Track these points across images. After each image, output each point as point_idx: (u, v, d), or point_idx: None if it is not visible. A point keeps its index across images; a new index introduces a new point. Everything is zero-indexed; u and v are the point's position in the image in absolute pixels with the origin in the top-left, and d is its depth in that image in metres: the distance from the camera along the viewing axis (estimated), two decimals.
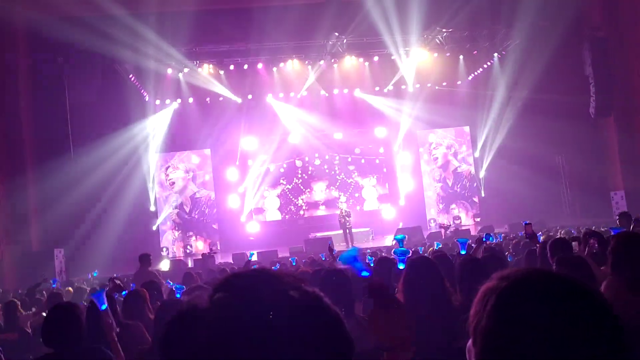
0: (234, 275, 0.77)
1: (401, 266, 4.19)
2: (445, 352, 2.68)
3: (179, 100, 17.96)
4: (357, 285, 4.79)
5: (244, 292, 0.73)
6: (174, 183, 18.12)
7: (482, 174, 18.73)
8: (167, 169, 18.17)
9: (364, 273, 1.28)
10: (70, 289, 9.34)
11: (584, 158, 16.44)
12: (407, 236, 10.27)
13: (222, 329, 0.69)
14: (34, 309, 7.18)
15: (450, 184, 18.97)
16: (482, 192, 18.69)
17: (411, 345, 1.29)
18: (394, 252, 4.50)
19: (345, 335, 0.76)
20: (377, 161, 19.10)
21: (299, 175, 18.96)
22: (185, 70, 17.12)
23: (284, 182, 18.81)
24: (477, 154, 18.89)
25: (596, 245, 4.48)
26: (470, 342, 0.96)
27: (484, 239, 6.07)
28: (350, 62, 17.90)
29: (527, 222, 5.53)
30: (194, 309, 0.73)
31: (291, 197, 18.84)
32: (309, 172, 18.97)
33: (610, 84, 15.58)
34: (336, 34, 16.22)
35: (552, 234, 8.84)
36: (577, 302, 0.87)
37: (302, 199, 18.93)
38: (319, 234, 16.38)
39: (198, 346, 0.69)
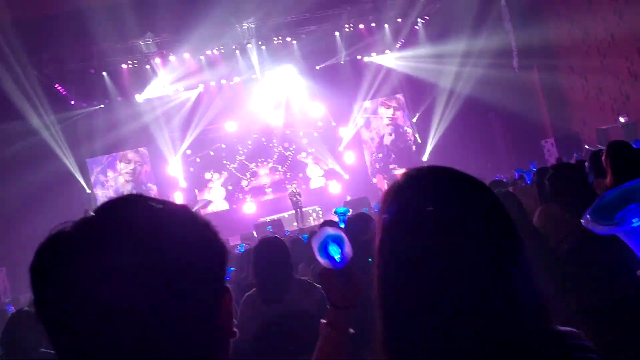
0: (104, 201, 0.76)
1: (342, 225, 4.25)
2: None
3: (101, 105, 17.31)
4: (300, 248, 4.84)
5: (110, 211, 0.73)
6: (116, 186, 17.51)
7: (420, 139, 19.13)
8: (106, 171, 17.53)
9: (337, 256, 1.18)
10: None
11: (514, 112, 17.05)
12: (351, 209, 10.36)
13: (89, 250, 0.67)
14: None
15: (392, 140, 19.28)
16: (425, 156, 19.09)
17: (356, 303, 1.29)
18: (335, 212, 4.56)
19: (217, 239, 0.78)
20: (315, 134, 19.15)
21: (240, 159, 18.82)
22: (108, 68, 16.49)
23: (228, 163, 18.62)
24: (414, 120, 19.27)
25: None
26: None
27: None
28: (278, 42, 17.71)
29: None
30: (58, 235, 0.71)
31: (237, 178, 18.71)
32: (250, 155, 18.87)
33: (530, 37, 16.12)
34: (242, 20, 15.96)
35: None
36: (468, 193, 0.89)
37: (246, 184, 18.84)
38: (268, 218, 16.35)
39: (65, 274, 0.67)
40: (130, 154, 17.87)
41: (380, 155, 19.21)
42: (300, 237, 5.76)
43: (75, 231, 0.70)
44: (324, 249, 1.21)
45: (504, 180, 7.05)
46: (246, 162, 18.77)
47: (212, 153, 18.54)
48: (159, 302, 0.67)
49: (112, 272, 0.66)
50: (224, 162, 18.65)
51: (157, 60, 16.70)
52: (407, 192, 0.90)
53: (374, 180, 18.44)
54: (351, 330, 1.31)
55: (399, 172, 18.65)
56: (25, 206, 14.55)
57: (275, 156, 18.95)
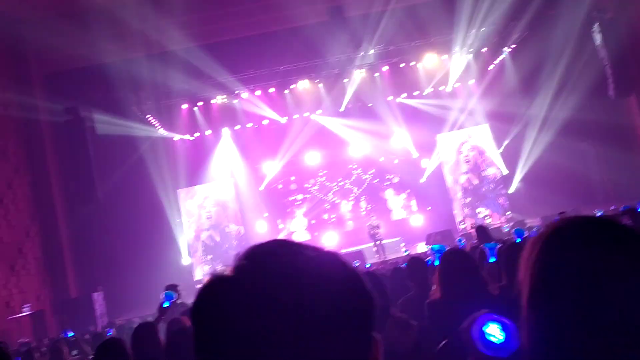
0: (253, 245, 0.79)
1: (437, 263, 4.16)
2: None
3: (197, 134, 18.29)
4: (393, 286, 4.76)
5: (264, 256, 0.75)
6: (209, 217, 18.19)
7: (508, 170, 18.46)
8: (199, 204, 18.29)
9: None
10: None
11: (610, 141, 16.13)
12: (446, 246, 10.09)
13: (249, 294, 0.71)
14: (74, 353, 7.30)
15: (475, 185, 18.68)
16: (512, 188, 18.37)
17: None
18: (432, 249, 4.48)
19: (365, 289, 0.78)
20: (396, 161, 19.00)
21: (322, 195, 19.07)
22: (200, 103, 17.45)
23: (308, 195, 18.92)
24: (500, 151, 18.65)
25: (630, 222, 4.38)
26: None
27: (516, 239, 5.61)
28: (360, 75, 17.93)
29: (562, 211, 5.41)
30: (219, 279, 0.74)
31: (319, 209, 18.92)
32: (333, 193, 19.07)
33: (625, 64, 15.32)
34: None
35: None
36: (620, 242, 0.87)
37: (327, 216, 19.01)
38: (349, 249, 16.29)
39: (226, 314, 0.71)
40: (214, 188, 18.47)
41: (469, 200, 18.53)
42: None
43: (234, 277, 0.74)
44: (480, 331, 1.10)
45: None
46: (328, 195, 18.97)
47: (293, 178, 18.90)
48: (315, 350, 0.69)
49: (265, 321, 0.69)
50: (306, 194, 18.96)
51: (245, 94, 17.45)
52: (572, 238, 0.89)
53: (462, 225, 17.87)
54: None
55: (480, 212, 17.99)
56: (120, 233, 15.48)
57: (357, 189, 19.01)
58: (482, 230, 5.48)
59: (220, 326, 0.71)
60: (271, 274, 0.72)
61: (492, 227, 15.84)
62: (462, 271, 3.10)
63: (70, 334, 9.80)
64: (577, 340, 0.82)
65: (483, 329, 1.05)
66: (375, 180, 19.04)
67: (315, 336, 0.69)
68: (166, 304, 3.42)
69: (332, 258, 0.77)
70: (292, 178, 19.06)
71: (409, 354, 3.01)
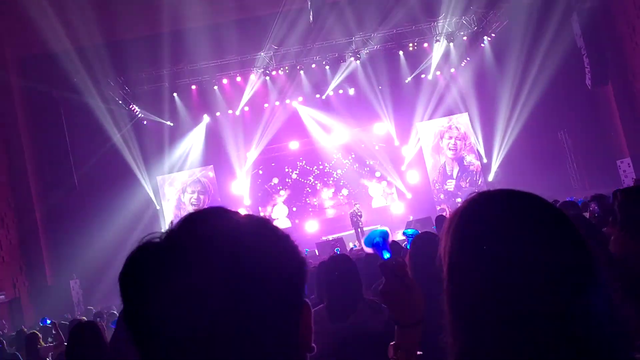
0: (188, 213, 0.79)
1: (408, 247, 4.18)
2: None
3: (170, 124, 18.04)
4: (368, 271, 4.79)
5: (195, 222, 0.75)
6: (192, 203, 18.05)
7: (486, 159, 18.63)
8: (178, 190, 18.12)
9: (386, 254, 1.23)
10: (84, 318, 9.38)
11: (586, 130, 16.36)
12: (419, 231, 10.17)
13: (177, 258, 0.70)
14: (50, 340, 7.22)
15: (455, 172, 18.84)
16: (490, 177, 18.56)
17: (420, 320, 1.28)
18: (404, 233, 4.51)
19: (296, 253, 0.78)
20: (377, 147, 19.05)
21: (304, 180, 19.06)
22: (180, 89, 17.22)
23: (289, 180, 18.90)
24: (480, 138, 18.81)
25: (597, 208, 4.48)
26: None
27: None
28: (340, 61, 17.85)
29: None
30: (147, 245, 0.74)
31: (300, 195, 18.93)
32: (314, 177, 19.03)
33: (603, 53, 15.49)
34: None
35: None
36: (537, 213, 0.89)
37: (310, 202, 19.01)
38: (330, 237, 16.35)
39: (153, 279, 0.70)
40: (198, 173, 18.35)
41: (448, 187, 18.69)
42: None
43: (162, 242, 0.73)
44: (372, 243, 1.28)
45: (578, 204, 6.71)
46: (309, 179, 18.96)
47: (273, 164, 18.86)
48: (240, 313, 0.69)
49: (196, 283, 0.68)
50: (287, 179, 18.93)
51: (225, 81, 17.27)
52: (483, 211, 0.91)
53: (438, 207, 18.04)
54: (419, 352, 1.27)
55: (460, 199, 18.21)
56: (97, 220, 15.25)
57: (336, 172, 19.01)
58: (440, 220, 5.48)
59: (144, 292, 0.70)
60: (200, 237, 0.71)
61: None
62: (432, 255, 3.13)
63: (48, 321, 9.67)
64: (491, 310, 0.83)
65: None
66: (355, 166, 19.05)
67: (243, 298, 0.69)
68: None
69: (262, 223, 0.78)
70: (272, 164, 18.98)
71: (381, 335, 3.04)
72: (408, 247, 4.71)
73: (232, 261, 0.69)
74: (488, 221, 0.88)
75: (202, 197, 18.13)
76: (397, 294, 1.24)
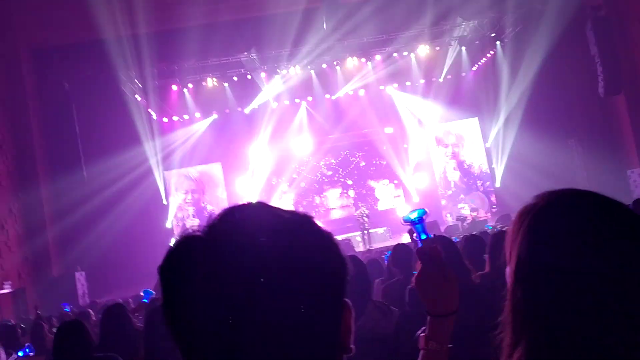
0: (228, 207, 0.78)
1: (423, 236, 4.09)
2: (462, 329, 2.64)
3: (185, 117, 18.11)
4: (373, 269, 4.79)
5: (236, 217, 0.74)
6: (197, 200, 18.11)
7: (495, 164, 18.55)
8: (187, 187, 18.17)
9: (423, 236, 1.22)
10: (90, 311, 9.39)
11: (597, 138, 16.24)
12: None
13: (217, 252, 0.70)
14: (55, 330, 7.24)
15: (462, 178, 18.78)
16: (498, 182, 18.48)
17: (455, 310, 1.24)
18: (403, 219, 4.40)
19: (338, 253, 0.77)
20: (384, 162, 19.03)
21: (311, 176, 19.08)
22: (190, 85, 17.27)
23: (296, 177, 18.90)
24: (488, 145, 18.74)
25: None
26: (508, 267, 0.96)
27: None
28: (352, 63, 17.88)
29: None
30: (189, 238, 0.73)
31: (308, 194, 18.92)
32: (320, 178, 19.04)
33: (617, 62, 15.39)
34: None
35: None
36: (609, 215, 0.88)
37: (317, 202, 19.02)
38: (337, 238, 16.30)
39: (193, 272, 0.69)
40: (203, 172, 18.36)
41: (450, 192, 18.66)
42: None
43: (204, 236, 0.72)
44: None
45: None
46: (317, 174, 18.97)
47: (281, 162, 18.88)
48: (281, 308, 0.67)
49: (239, 276, 0.67)
50: (294, 175, 18.95)
51: (263, 74, 17.29)
52: (572, 211, 0.90)
53: (448, 217, 17.99)
54: (449, 345, 1.23)
55: (463, 208, 18.07)
56: (104, 213, 15.31)
57: (342, 170, 19.01)
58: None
59: (187, 284, 0.69)
60: (241, 233, 0.71)
61: (479, 220, 15.97)
62: (445, 259, 3.10)
63: (67, 309, 9.62)
64: (566, 312, 0.83)
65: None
66: (362, 164, 19.05)
67: (284, 297, 0.67)
68: (145, 301, 3.37)
69: (306, 219, 0.76)
70: (280, 162, 18.97)
71: (390, 338, 3.02)
72: (404, 219, 4.68)
73: (274, 256, 0.68)
74: (566, 219, 0.87)
75: (195, 196, 18.23)
76: (433, 281, 1.20)
